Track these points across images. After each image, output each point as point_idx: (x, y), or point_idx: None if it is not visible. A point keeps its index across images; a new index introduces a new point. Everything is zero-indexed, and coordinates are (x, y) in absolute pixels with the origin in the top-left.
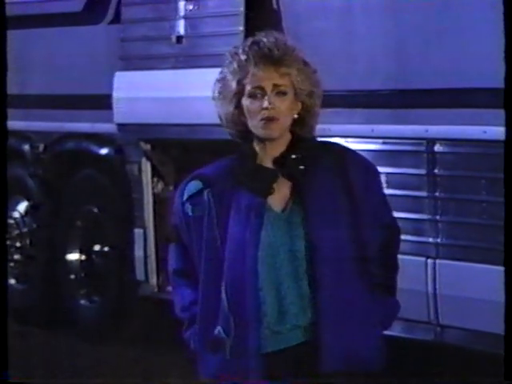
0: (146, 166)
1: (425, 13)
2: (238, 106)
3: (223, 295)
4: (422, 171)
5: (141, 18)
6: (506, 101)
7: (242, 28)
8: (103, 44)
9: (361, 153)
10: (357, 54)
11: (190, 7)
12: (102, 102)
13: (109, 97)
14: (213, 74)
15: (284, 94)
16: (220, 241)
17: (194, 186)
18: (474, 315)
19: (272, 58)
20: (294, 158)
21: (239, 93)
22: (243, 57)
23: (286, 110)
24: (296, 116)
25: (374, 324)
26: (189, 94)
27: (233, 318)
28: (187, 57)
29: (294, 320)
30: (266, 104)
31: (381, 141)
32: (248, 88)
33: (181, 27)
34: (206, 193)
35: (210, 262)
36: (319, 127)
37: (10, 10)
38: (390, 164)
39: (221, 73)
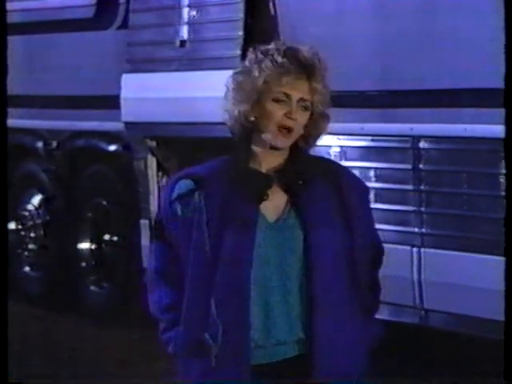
0: (152, 162)
1: (409, 20)
2: (254, 103)
3: (212, 302)
4: (408, 166)
5: (147, 23)
6: (506, 100)
7: (241, 33)
8: (112, 48)
9: (354, 172)
10: (348, 57)
11: (193, 13)
12: (111, 102)
13: (117, 97)
14: (213, 75)
15: (306, 109)
16: (209, 245)
17: (184, 185)
18: (456, 300)
19: (310, 71)
20: (293, 171)
21: (261, 91)
22: (280, 58)
23: (302, 124)
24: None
25: (360, 344)
26: (191, 94)
27: (221, 326)
28: (190, 60)
29: (279, 335)
30: (290, 113)
31: (370, 138)
32: (275, 91)
33: (184, 32)
34: (197, 194)
35: (197, 266)
36: None
37: (26, 17)
38: (378, 160)
39: (244, 66)
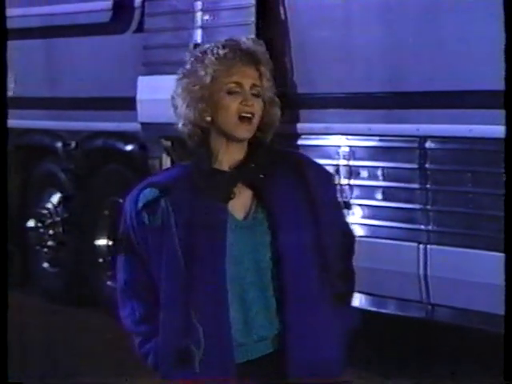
0: (167, 161)
1: (416, 24)
2: (207, 101)
3: (191, 308)
4: (414, 165)
5: (162, 27)
6: (506, 101)
7: (252, 37)
8: (128, 51)
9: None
10: (355, 59)
11: (207, 18)
12: (127, 104)
13: (133, 99)
14: None
15: (258, 95)
16: (181, 250)
17: (149, 193)
18: (461, 295)
19: (255, 57)
20: (253, 167)
21: (211, 88)
22: (223, 51)
23: (259, 111)
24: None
25: (336, 333)
26: None
27: (202, 329)
28: None
29: (260, 331)
30: (246, 100)
31: (377, 138)
32: (226, 82)
33: (198, 36)
34: (163, 201)
35: (171, 273)
36: (321, 126)
37: (46, 21)
38: (385, 159)
39: (186, 69)
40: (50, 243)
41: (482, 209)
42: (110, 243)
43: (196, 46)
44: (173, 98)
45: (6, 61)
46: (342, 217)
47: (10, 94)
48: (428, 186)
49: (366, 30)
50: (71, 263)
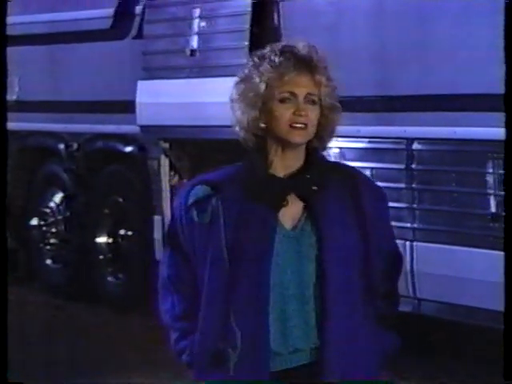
0: (165, 162)
1: (404, 30)
2: (261, 109)
3: (231, 311)
4: (402, 166)
5: (160, 33)
6: (506, 103)
7: (247, 43)
8: (128, 57)
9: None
10: (346, 64)
11: (203, 24)
12: (127, 107)
13: (132, 102)
14: (222, 82)
15: (314, 103)
16: (227, 252)
17: (201, 190)
18: (446, 290)
19: (310, 64)
20: (307, 178)
21: (266, 96)
22: (278, 59)
23: (314, 119)
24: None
25: (374, 354)
26: (201, 99)
27: (240, 334)
28: (200, 68)
29: (296, 343)
30: (299, 110)
31: (366, 140)
32: (279, 91)
33: (194, 42)
34: (214, 199)
35: (215, 273)
36: None
37: (50, 28)
38: (374, 160)
39: (244, 74)
40: (52, 241)
41: (466, 207)
42: (110, 241)
43: (193, 51)
44: (231, 101)
45: (6, 66)
46: (392, 237)
47: (14, 97)
48: (414, 185)
49: (357, 36)
50: (73, 260)
